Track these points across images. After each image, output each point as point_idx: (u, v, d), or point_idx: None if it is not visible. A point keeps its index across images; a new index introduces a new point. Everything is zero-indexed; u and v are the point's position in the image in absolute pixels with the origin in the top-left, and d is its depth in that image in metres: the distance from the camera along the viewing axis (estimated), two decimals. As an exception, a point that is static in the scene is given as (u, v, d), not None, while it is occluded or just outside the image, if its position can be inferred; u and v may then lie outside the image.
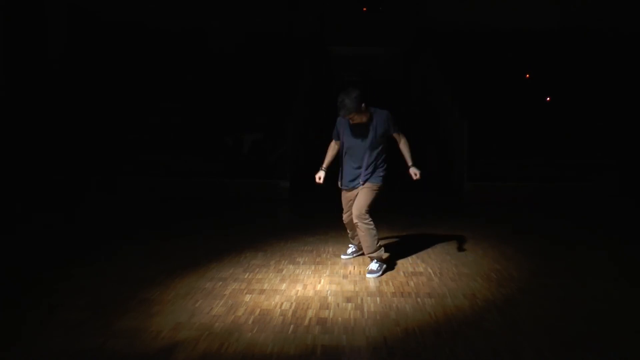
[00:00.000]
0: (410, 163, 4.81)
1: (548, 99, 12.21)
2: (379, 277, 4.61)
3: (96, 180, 9.89)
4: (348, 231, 5.24)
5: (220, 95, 12.19)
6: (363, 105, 4.49)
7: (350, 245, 5.38)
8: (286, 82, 12.32)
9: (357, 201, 4.65)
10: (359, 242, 5.20)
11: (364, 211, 4.60)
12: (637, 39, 13.46)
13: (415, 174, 4.75)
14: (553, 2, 14.72)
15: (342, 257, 5.33)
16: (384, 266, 4.77)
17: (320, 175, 4.93)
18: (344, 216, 5.05)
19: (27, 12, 12.30)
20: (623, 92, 12.03)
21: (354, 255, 5.34)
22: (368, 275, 4.63)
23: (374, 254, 4.68)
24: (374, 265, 4.69)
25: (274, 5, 15.00)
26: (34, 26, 12.49)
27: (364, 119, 4.59)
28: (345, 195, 4.95)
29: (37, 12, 12.65)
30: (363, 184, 4.68)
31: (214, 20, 14.57)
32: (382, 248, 4.75)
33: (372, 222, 4.63)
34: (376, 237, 4.66)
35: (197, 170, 10.11)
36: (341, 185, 4.92)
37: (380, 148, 4.69)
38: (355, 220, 4.64)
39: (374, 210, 4.72)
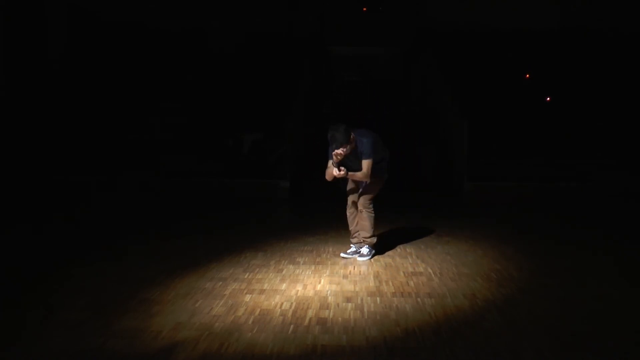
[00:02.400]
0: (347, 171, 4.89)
1: (548, 99, 12.21)
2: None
3: (96, 180, 9.89)
4: (350, 228, 5.35)
5: (221, 95, 12.19)
6: (352, 135, 4.83)
7: (351, 245, 5.39)
8: (286, 82, 12.32)
9: (363, 193, 5.15)
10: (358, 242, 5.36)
11: (367, 203, 5.16)
12: (637, 39, 13.46)
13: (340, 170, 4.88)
14: (553, 2, 14.70)
15: (342, 255, 5.34)
16: (373, 251, 5.27)
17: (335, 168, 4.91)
18: (349, 200, 5.31)
19: (27, 12, 12.30)
20: (623, 92, 12.02)
21: (354, 255, 5.34)
22: (359, 259, 5.17)
23: (368, 240, 5.22)
24: (364, 250, 5.22)
25: (274, 5, 14.98)
26: (34, 26, 12.49)
27: (353, 145, 4.88)
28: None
29: (37, 12, 12.65)
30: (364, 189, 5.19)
31: (214, 20, 14.55)
32: (376, 237, 5.25)
33: (373, 211, 5.19)
34: (374, 226, 5.19)
35: (197, 170, 10.11)
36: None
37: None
38: (360, 208, 5.18)
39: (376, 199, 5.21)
